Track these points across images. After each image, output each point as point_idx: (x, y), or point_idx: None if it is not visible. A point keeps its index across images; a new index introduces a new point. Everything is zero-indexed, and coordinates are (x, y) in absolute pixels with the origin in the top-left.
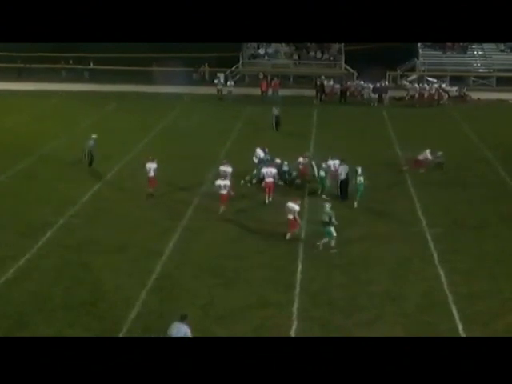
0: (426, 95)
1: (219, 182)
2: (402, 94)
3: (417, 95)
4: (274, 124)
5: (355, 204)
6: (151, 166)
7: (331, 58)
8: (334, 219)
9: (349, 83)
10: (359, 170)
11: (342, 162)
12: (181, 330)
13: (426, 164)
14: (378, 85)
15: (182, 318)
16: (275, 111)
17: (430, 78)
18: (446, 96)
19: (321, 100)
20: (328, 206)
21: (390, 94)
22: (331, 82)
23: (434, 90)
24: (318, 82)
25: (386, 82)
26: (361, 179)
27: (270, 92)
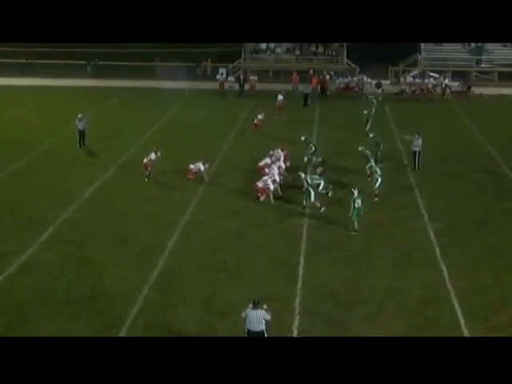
0: (426, 90)
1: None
2: (403, 88)
3: (417, 91)
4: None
5: (355, 225)
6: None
7: (333, 53)
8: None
9: (342, 79)
10: (355, 192)
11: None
12: (258, 314)
13: None
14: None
15: (255, 304)
16: (306, 89)
17: (432, 73)
18: (449, 91)
19: (323, 95)
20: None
21: (391, 89)
22: (327, 77)
23: (430, 85)
24: (321, 77)
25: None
26: (358, 202)
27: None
